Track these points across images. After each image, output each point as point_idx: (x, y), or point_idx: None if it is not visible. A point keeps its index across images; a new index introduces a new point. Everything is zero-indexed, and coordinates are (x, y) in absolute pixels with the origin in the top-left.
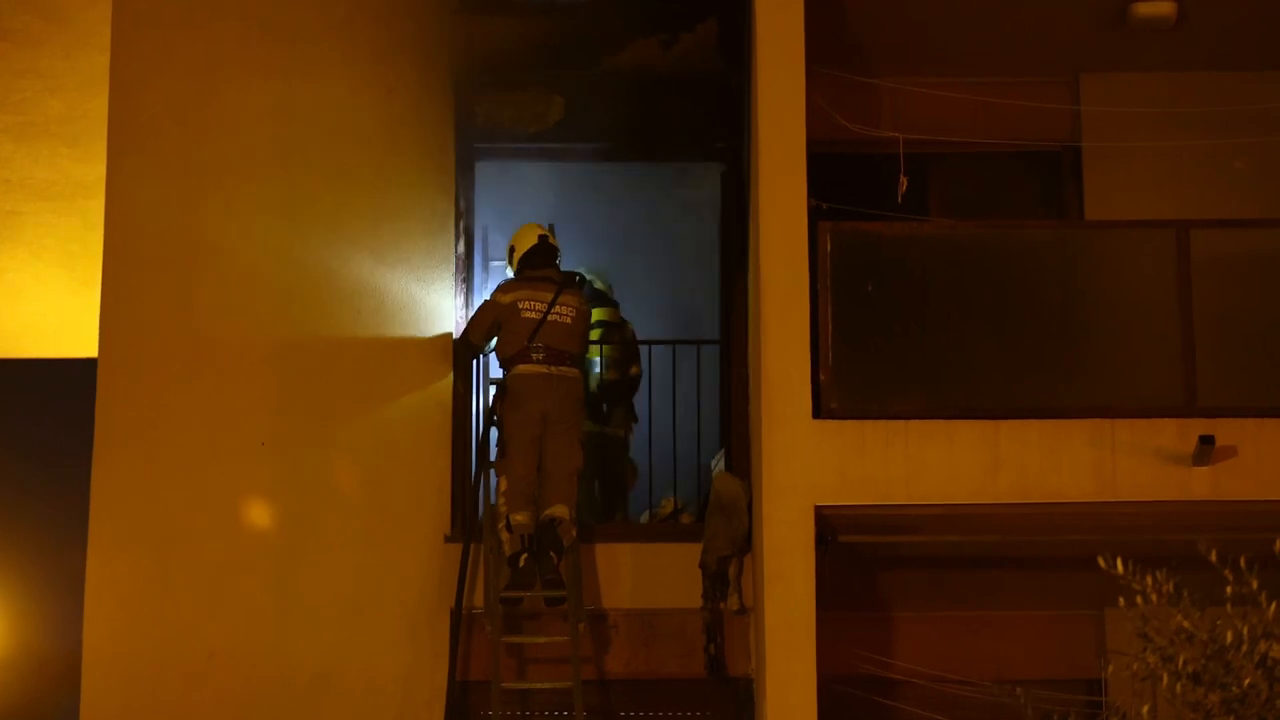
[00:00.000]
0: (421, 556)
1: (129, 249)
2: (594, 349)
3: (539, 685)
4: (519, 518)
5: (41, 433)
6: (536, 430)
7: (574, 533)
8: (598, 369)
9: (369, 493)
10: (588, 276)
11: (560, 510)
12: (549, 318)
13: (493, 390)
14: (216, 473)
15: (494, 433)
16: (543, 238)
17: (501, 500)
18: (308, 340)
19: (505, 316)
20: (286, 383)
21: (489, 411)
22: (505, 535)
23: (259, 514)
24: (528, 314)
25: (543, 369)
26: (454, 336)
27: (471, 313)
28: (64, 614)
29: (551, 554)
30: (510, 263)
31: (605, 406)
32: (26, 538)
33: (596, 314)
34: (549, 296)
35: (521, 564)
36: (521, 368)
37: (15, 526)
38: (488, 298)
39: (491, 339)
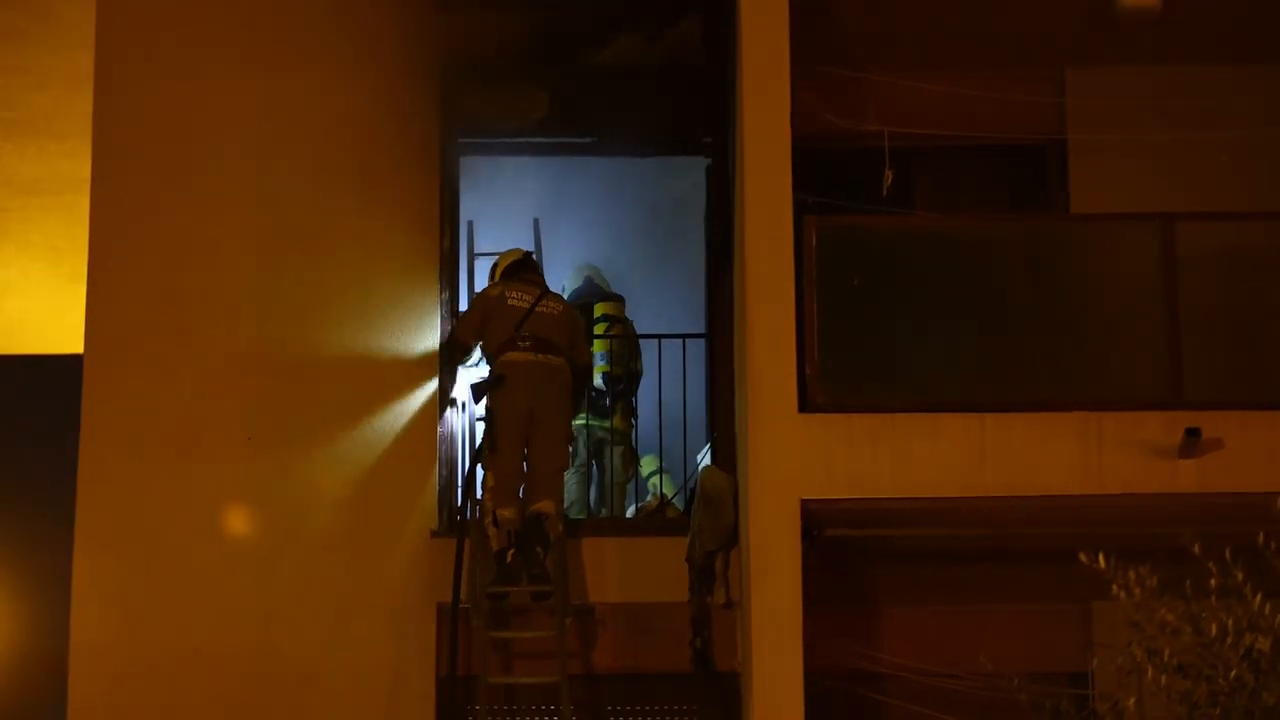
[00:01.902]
0: (408, 552)
1: (115, 245)
2: (599, 343)
3: (525, 680)
4: (505, 513)
5: (27, 429)
6: (524, 426)
7: (560, 528)
8: (602, 362)
9: (355, 488)
10: (587, 272)
11: (547, 505)
12: (537, 309)
13: (473, 383)
14: (202, 469)
15: (480, 426)
16: (527, 253)
17: (488, 496)
18: (294, 335)
19: (493, 309)
20: (272, 378)
21: (483, 403)
22: (492, 531)
23: (245, 510)
24: (515, 303)
25: (530, 356)
26: (440, 338)
27: (461, 313)
28: (51, 611)
29: (538, 549)
30: (494, 276)
31: (608, 401)
32: (13, 534)
33: (601, 307)
34: (537, 292)
35: (509, 559)
36: (509, 355)
37: (1, 523)
38: (476, 293)
39: (480, 339)
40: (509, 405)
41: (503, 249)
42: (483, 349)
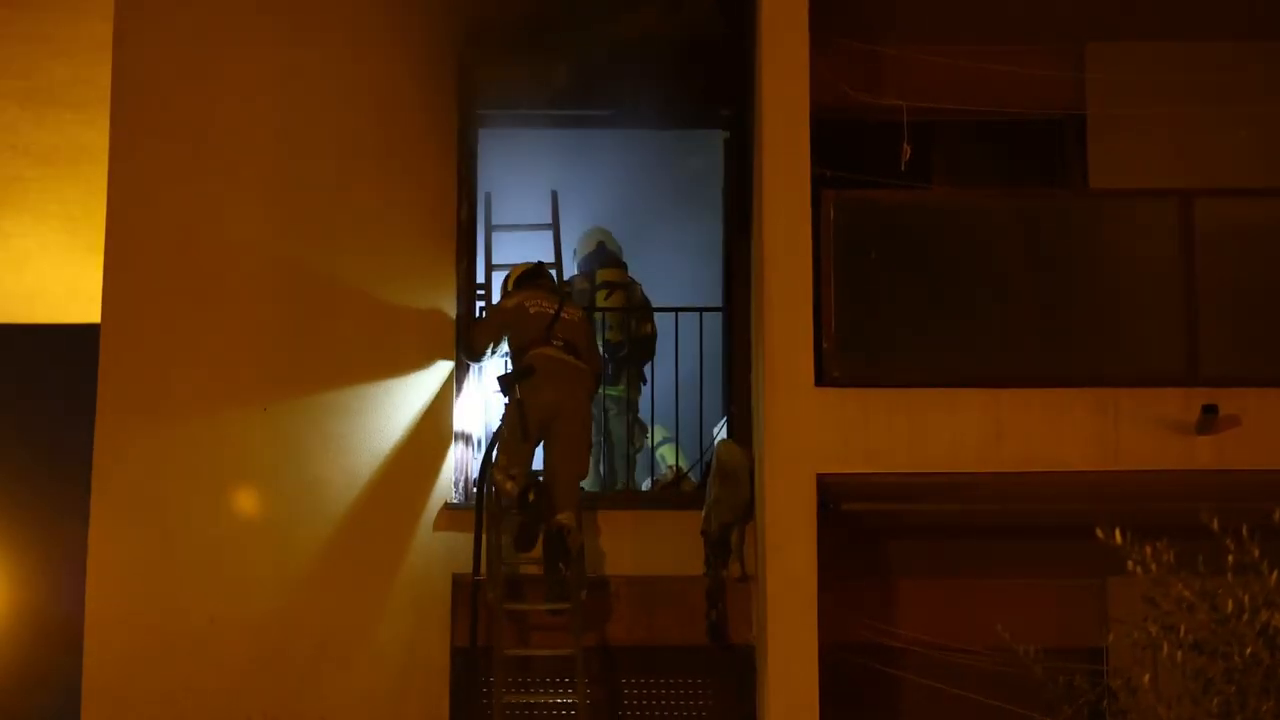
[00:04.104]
0: (424, 523)
1: (132, 215)
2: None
3: (540, 652)
4: (516, 475)
5: (45, 398)
6: (546, 420)
7: (581, 540)
8: (604, 330)
9: (372, 459)
10: (599, 237)
11: (568, 518)
12: (562, 315)
13: (500, 375)
14: (219, 439)
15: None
16: (539, 263)
17: (498, 471)
18: (310, 306)
19: (510, 319)
20: (289, 349)
21: (509, 388)
22: (508, 485)
23: (261, 480)
24: (536, 311)
25: (563, 355)
26: (456, 313)
27: (477, 321)
28: (67, 579)
29: (560, 565)
30: (505, 288)
31: (611, 368)
32: (30, 503)
33: (603, 274)
34: (556, 299)
35: (531, 498)
36: (543, 349)
37: (19, 491)
38: (493, 304)
39: (494, 350)
40: (536, 396)
41: (520, 220)
42: (511, 346)
